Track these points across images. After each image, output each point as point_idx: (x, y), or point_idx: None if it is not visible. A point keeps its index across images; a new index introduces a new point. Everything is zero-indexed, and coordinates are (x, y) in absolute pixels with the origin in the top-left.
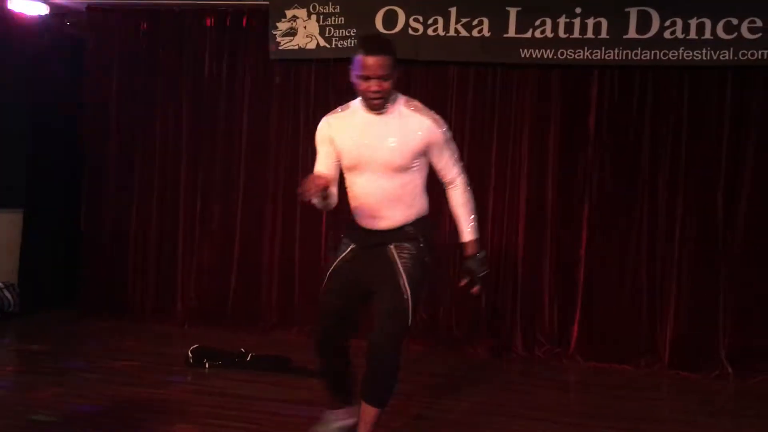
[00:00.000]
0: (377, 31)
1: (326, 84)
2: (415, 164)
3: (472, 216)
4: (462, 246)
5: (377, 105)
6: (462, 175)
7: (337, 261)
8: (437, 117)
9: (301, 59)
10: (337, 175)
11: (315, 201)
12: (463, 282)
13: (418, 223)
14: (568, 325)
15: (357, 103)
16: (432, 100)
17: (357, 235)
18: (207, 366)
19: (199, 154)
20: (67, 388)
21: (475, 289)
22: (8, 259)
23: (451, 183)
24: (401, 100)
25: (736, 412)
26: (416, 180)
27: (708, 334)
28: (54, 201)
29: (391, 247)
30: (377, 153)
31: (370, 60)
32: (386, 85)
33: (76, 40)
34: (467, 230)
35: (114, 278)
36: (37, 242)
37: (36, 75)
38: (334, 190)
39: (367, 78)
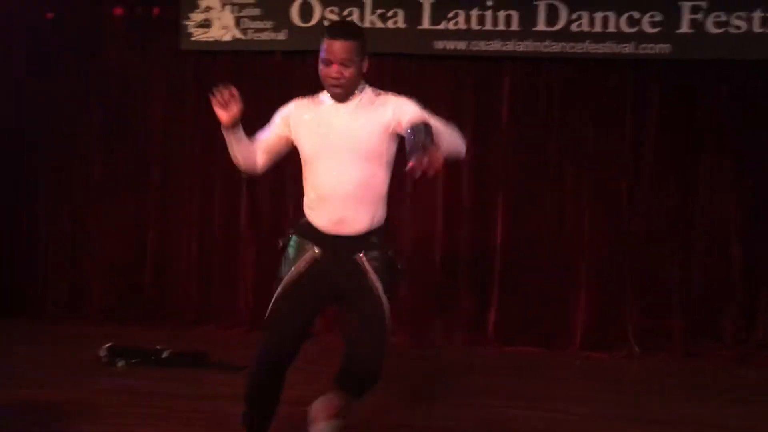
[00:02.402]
0: (294, 24)
1: (241, 76)
2: (382, 149)
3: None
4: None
5: (337, 94)
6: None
7: (296, 268)
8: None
9: (215, 51)
10: (272, 153)
11: (225, 118)
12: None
13: (381, 230)
14: (485, 312)
15: (325, 96)
16: None
17: (319, 238)
18: (122, 364)
19: (110, 148)
20: None
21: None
22: None
23: None
24: (369, 90)
25: (638, 388)
26: (381, 176)
27: (616, 316)
28: None
29: (360, 255)
30: (343, 138)
31: (333, 44)
32: (347, 72)
33: None
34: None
35: (24, 278)
36: None
37: None
38: (260, 158)
39: (328, 63)
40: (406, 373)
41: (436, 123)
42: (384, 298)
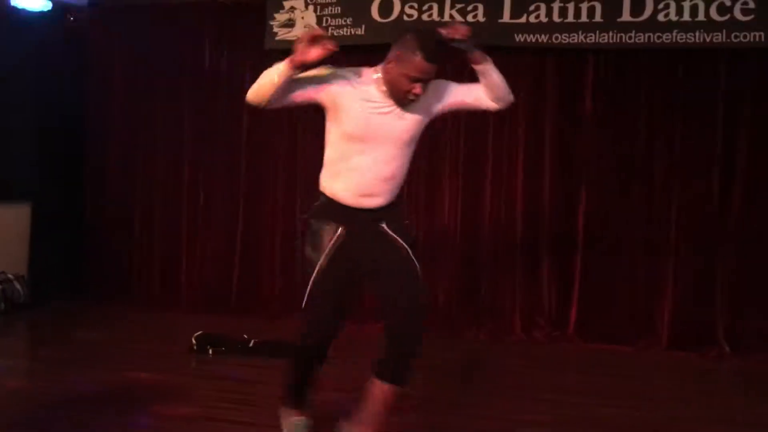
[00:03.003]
0: (374, 20)
1: None
2: (418, 135)
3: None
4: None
5: (407, 104)
6: None
7: (327, 253)
8: None
9: None
10: (290, 101)
11: (303, 57)
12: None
13: (399, 201)
14: (566, 307)
15: (371, 79)
16: None
17: (341, 215)
18: (210, 352)
19: (201, 147)
20: (76, 373)
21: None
22: (18, 251)
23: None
24: None
25: (730, 390)
26: (410, 156)
27: (706, 315)
28: (61, 193)
29: (384, 225)
30: (390, 135)
31: (429, 67)
32: (425, 89)
33: (79, 36)
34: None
35: (119, 268)
36: (45, 234)
37: (40, 70)
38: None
39: (416, 80)
40: (489, 366)
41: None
42: (414, 258)
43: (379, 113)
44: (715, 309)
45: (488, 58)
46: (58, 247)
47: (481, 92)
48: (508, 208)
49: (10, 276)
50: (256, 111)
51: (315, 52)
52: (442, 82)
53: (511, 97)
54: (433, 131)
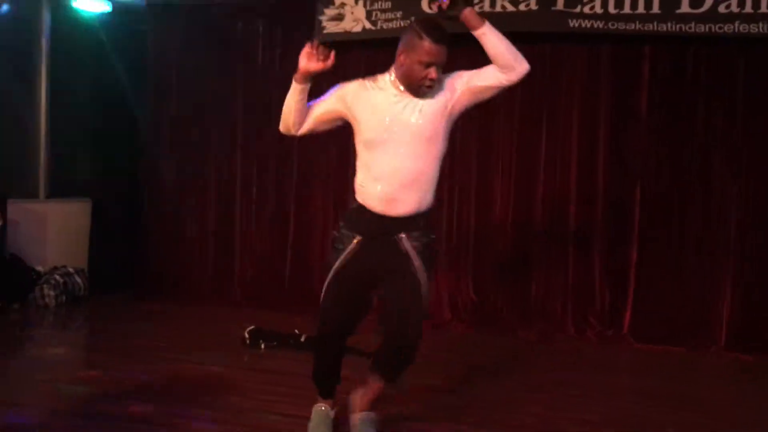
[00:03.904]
0: (424, 12)
1: (374, 67)
2: (440, 134)
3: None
4: None
5: (424, 94)
6: None
7: (342, 258)
8: None
9: (346, 41)
10: (318, 123)
11: (306, 68)
12: None
13: (427, 214)
14: (620, 307)
15: (386, 82)
16: None
17: (363, 224)
18: (263, 347)
19: (253, 144)
20: (133, 364)
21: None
22: (78, 246)
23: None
24: None
25: None
26: (435, 164)
27: (764, 317)
28: (119, 191)
29: (402, 236)
30: (407, 130)
31: (439, 49)
32: (439, 75)
33: (139, 37)
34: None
35: (175, 264)
36: (104, 230)
37: (101, 71)
38: (306, 123)
39: (428, 65)
40: (540, 366)
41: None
42: (423, 277)
43: (396, 112)
44: None
45: (485, 20)
46: (116, 243)
47: (491, 69)
48: (561, 204)
49: (71, 269)
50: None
51: (315, 63)
52: (454, 73)
53: (522, 66)
54: (485, 126)
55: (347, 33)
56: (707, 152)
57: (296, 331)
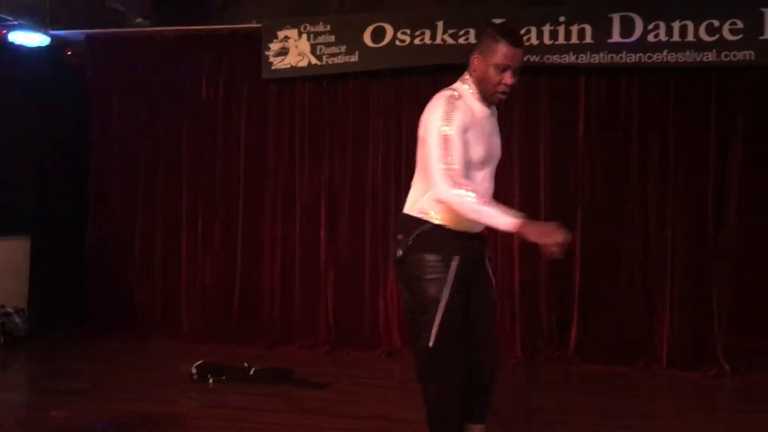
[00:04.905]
0: (366, 45)
1: (320, 100)
2: None
3: None
4: None
5: (501, 100)
6: None
7: (450, 284)
8: None
9: (293, 77)
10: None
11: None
12: None
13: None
14: (566, 328)
15: (466, 91)
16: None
17: (454, 243)
18: (211, 381)
19: (199, 176)
20: (77, 405)
21: None
22: (16, 284)
23: None
24: None
25: (731, 408)
26: None
27: (704, 334)
28: (60, 227)
29: (486, 260)
30: (497, 145)
31: (516, 52)
32: (516, 80)
33: (77, 70)
34: None
35: (119, 299)
36: (45, 267)
37: (39, 105)
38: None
39: (506, 68)
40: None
41: None
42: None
43: (488, 126)
44: (713, 328)
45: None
46: (58, 280)
47: (433, 165)
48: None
49: (9, 310)
50: (255, 139)
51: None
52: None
53: (446, 196)
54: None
55: (293, 68)
56: (642, 174)
57: (245, 364)
